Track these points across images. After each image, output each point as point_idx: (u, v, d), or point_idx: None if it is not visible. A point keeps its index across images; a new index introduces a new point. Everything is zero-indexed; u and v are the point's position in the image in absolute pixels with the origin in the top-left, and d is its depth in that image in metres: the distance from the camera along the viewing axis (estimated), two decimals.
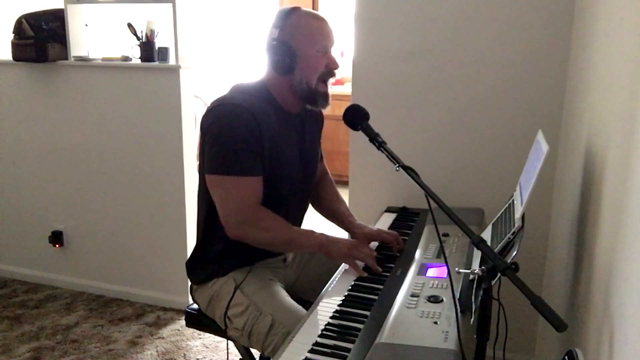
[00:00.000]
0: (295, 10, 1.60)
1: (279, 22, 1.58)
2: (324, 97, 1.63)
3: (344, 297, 1.40)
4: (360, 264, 1.55)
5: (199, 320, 1.76)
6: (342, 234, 1.79)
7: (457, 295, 1.30)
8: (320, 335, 1.23)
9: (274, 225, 1.56)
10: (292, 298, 1.60)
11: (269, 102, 1.61)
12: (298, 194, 1.74)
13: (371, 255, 1.55)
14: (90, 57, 2.86)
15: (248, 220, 1.54)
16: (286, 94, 1.63)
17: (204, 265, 1.70)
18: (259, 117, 1.53)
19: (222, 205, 1.55)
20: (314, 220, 1.95)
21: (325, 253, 1.57)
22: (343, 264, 1.59)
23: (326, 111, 1.71)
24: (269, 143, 1.56)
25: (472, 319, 1.18)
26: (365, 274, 1.51)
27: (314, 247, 1.58)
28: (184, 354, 2.51)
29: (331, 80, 1.64)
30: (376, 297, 1.38)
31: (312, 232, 1.60)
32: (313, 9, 5.41)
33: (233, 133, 1.51)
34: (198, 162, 1.68)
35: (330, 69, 1.61)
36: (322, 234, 1.58)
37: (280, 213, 1.64)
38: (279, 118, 1.62)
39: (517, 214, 1.37)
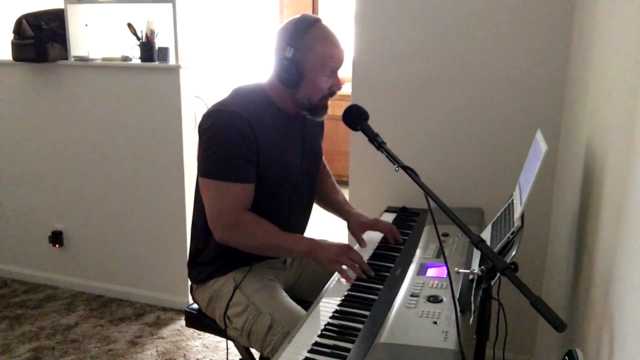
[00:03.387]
0: (311, 27, 1.56)
1: (293, 40, 1.54)
2: (323, 109, 1.65)
3: (343, 297, 1.40)
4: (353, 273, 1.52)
5: (199, 320, 1.76)
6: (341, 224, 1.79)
7: (457, 295, 1.30)
8: (320, 335, 1.23)
9: (259, 231, 1.56)
10: (292, 298, 1.61)
11: (267, 107, 1.63)
12: (302, 193, 1.75)
13: (359, 260, 1.52)
14: (90, 57, 2.86)
15: (233, 225, 1.55)
16: (286, 99, 1.64)
17: (204, 264, 1.70)
18: (255, 124, 1.55)
19: (209, 209, 1.57)
20: (316, 217, 1.95)
21: (313, 259, 1.55)
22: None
23: None
24: (267, 149, 1.58)
25: (471, 319, 1.18)
26: (352, 281, 1.47)
27: (302, 253, 1.57)
28: (184, 354, 2.51)
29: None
30: (376, 297, 1.38)
31: (300, 237, 1.61)
32: (313, 9, 5.41)
33: (227, 140, 1.53)
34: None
35: (332, 91, 1.62)
36: (311, 239, 1.57)
37: (285, 214, 1.65)
38: (278, 121, 1.63)
39: (517, 214, 1.37)
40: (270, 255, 1.72)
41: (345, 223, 1.87)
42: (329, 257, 1.52)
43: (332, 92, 1.62)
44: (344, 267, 1.51)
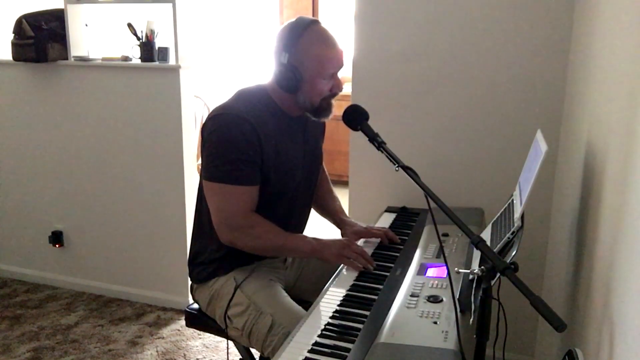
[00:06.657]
0: (306, 30, 1.54)
1: (288, 45, 1.53)
2: (327, 110, 1.64)
3: (343, 297, 1.40)
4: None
5: (199, 320, 1.76)
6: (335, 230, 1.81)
7: (457, 295, 1.30)
8: (320, 335, 1.23)
9: (265, 232, 1.58)
10: (292, 298, 1.61)
11: (270, 109, 1.63)
12: (302, 195, 1.76)
13: (363, 253, 1.57)
14: (90, 57, 2.86)
15: (239, 227, 1.56)
16: (288, 102, 1.64)
17: (205, 264, 1.71)
18: (259, 127, 1.55)
19: (215, 212, 1.58)
20: (314, 218, 1.95)
21: (319, 257, 1.59)
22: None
23: None
24: (271, 151, 1.58)
25: (471, 319, 1.18)
26: (361, 268, 1.54)
27: (307, 252, 1.60)
28: (184, 354, 2.51)
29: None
30: (376, 297, 1.38)
31: (304, 237, 1.63)
32: (313, 9, 5.40)
33: (232, 143, 1.53)
34: (198, 162, 1.69)
35: (333, 92, 1.61)
36: (313, 238, 1.60)
37: (285, 215, 1.67)
38: (281, 123, 1.64)
39: (517, 214, 1.37)
40: (274, 256, 1.74)
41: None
42: (334, 252, 1.57)
43: (333, 94, 1.62)
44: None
